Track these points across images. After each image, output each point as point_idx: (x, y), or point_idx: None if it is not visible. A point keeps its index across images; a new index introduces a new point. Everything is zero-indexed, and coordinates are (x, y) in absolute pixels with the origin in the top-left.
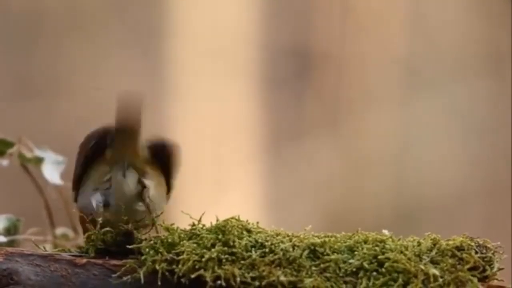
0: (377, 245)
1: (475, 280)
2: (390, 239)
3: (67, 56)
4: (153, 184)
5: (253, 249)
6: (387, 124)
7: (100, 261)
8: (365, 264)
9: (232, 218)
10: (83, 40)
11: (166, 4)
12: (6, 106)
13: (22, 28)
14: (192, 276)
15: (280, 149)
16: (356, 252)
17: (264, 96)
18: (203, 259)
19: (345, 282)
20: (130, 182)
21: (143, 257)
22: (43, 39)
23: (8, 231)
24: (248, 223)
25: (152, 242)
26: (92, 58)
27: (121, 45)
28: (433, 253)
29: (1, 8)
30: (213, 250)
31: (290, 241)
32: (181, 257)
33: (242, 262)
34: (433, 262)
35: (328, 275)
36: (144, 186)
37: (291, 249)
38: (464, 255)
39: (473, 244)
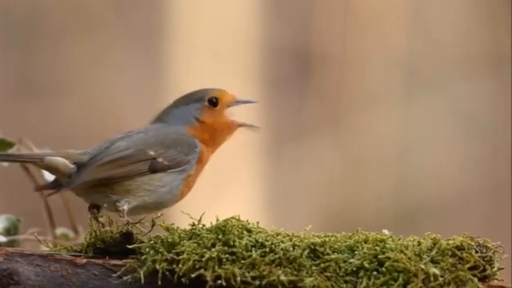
0: (377, 245)
1: (475, 279)
2: (390, 239)
3: (67, 56)
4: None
5: (253, 248)
6: (387, 124)
7: (100, 261)
8: (366, 264)
9: (232, 218)
10: (83, 40)
11: (167, 4)
12: (6, 106)
13: (22, 28)
14: (193, 275)
15: (280, 149)
16: (356, 252)
17: (265, 96)
18: (204, 259)
19: (346, 282)
20: None
21: (143, 257)
22: (43, 39)
23: (8, 231)
24: (248, 223)
25: (152, 242)
26: (92, 58)
27: (121, 45)
28: (433, 252)
29: (1, 8)
30: (213, 249)
31: (290, 240)
32: (181, 256)
33: (243, 261)
34: (434, 261)
35: (328, 274)
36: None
37: (291, 249)
38: (464, 255)
39: (473, 243)
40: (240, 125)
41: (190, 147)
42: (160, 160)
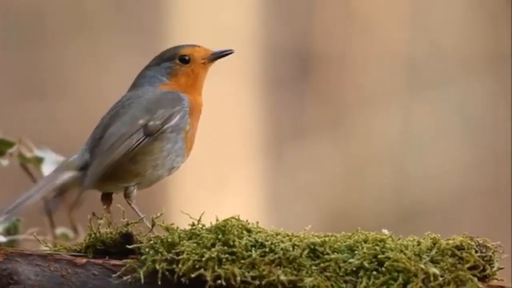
0: (377, 245)
1: (475, 279)
2: (390, 239)
3: (68, 57)
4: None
5: (253, 248)
6: (388, 124)
7: (100, 261)
8: (365, 263)
9: (232, 218)
10: (84, 41)
11: (168, 5)
12: (6, 106)
13: (24, 29)
14: (192, 275)
15: (281, 149)
16: (356, 252)
17: (265, 96)
18: (203, 259)
19: (345, 281)
20: None
21: (143, 257)
22: (44, 40)
23: (8, 231)
24: (248, 223)
25: (152, 242)
26: (94, 59)
27: (121, 45)
28: (433, 252)
29: (3, 9)
30: (213, 249)
31: (290, 240)
32: (181, 256)
33: (242, 261)
34: (433, 261)
35: (328, 274)
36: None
37: (291, 249)
38: (464, 254)
39: (473, 243)
40: (214, 54)
41: (175, 102)
42: (151, 123)
